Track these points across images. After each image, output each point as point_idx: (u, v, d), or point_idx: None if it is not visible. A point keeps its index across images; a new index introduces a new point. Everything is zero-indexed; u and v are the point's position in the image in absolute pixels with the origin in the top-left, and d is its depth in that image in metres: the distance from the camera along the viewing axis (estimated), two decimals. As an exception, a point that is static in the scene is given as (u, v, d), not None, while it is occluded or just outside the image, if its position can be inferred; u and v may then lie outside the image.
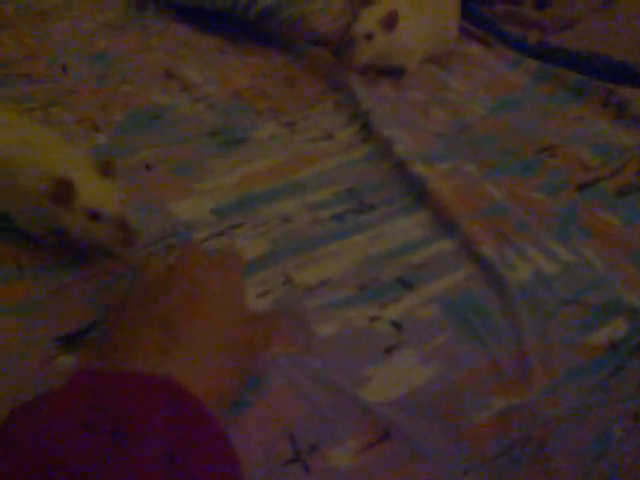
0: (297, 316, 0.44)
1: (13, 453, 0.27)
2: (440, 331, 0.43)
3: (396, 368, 0.41)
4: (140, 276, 0.41)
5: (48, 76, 0.72)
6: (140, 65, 0.75)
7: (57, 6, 0.90)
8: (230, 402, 0.36)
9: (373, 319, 0.44)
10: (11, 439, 0.27)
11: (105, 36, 0.82)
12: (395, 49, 0.69)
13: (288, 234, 0.51)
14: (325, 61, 0.74)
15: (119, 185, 0.46)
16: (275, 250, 0.49)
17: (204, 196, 0.54)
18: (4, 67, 0.74)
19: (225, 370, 0.35)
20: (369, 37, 0.67)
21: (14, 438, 0.27)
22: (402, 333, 0.43)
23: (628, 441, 0.48)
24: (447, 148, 0.62)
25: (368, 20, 0.66)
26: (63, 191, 0.42)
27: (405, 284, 0.46)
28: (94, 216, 0.43)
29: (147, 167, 0.57)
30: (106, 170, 0.45)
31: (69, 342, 0.41)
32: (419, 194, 0.55)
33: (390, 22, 0.66)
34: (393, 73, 0.73)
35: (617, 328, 0.45)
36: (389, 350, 0.42)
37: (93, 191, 0.43)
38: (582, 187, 0.57)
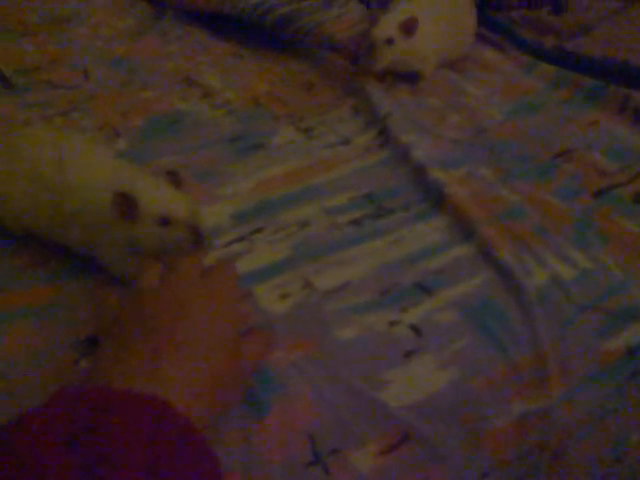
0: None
1: None
2: (459, 336, 0.44)
3: (415, 372, 0.41)
4: (134, 287, 0.40)
5: (69, 82, 0.74)
6: (160, 71, 0.76)
7: (77, 13, 0.91)
8: (219, 417, 0.36)
9: (392, 323, 0.44)
10: None
11: (125, 42, 0.83)
12: (413, 54, 0.70)
13: (307, 239, 0.51)
14: (341, 67, 0.74)
15: (186, 190, 0.46)
16: (294, 255, 0.50)
17: (224, 201, 0.55)
18: (26, 73, 0.75)
19: (213, 387, 0.34)
20: (390, 42, 0.67)
21: None
22: (421, 338, 0.43)
23: (645, 447, 0.48)
24: (464, 153, 0.62)
25: (388, 26, 0.67)
26: (125, 205, 0.42)
27: (424, 289, 0.47)
28: (164, 222, 0.42)
29: (168, 173, 0.58)
30: (172, 179, 0.45)
31: (91, 346, 0.42)
32: (437, 199, 0.55)
33: (410, 28, 0.67)
34: (409, 78, 0.73)
35: (635, 334, 0.45)
36: (408, 354, 0.42)
37: (157, 197, 0.43)
38: (598, 193, 0.57)
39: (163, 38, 0.84)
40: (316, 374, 0.41)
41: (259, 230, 0.52)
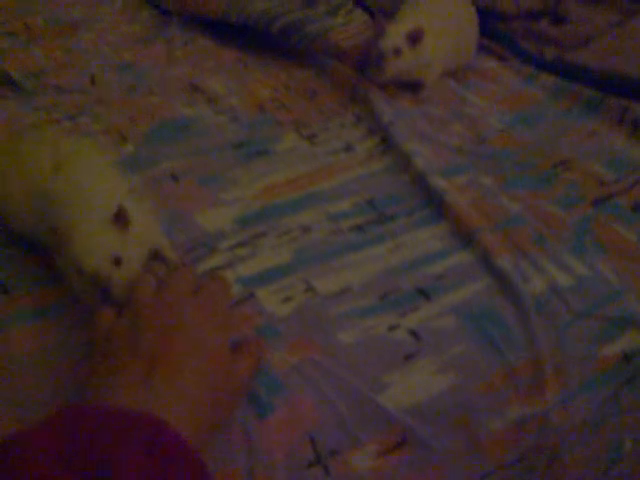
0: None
1: None
2: (457, 341, 0.44)
3: (414, 376, 0.42)
4: (129, 302, 0.40)
5: (77, 87, 0.75)
6: (165, 77, 0.77)
7: (84, 19, 0.93)
8: (213, 433, 0.36)
9: (392, 328, 0.45)
10: None
11: (131, 48, 0.84)
12: (418, 64, 0.71)
13: (309, 244, 0.52)
14: (345, 75, 0.75)
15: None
16: (297, 259, 0.51)
17: (228, 206, 0.56)
18: (34, 77, 0.76)
19: (207, 403, 0.35)
20: (397, 53, 0.68)
21: None
22: (420, 342, 0.44)
23: (639, 452, 0.48)
24: (465, 161, 0.63)
25: (395, 36, 0.68)
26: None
27: (424, 294, 0.48)
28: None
29: (173, 178, 0.59)
30: (117, 220, 0.42)
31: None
32: (438, 206, 0.56)
33: (416, 38, 0.68)
34: (412, 87, 0.74)
35: (630, 341, 0.46)
36: (407, 358, 0.43)
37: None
38: (597, 202, 0.57)
39: (169, 44, 0.85)
40: (317, 376, 0.41)
41: (262, 234, 0.53)
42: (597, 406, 0.45)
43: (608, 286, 0.49)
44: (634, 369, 0.46)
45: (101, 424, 0.30)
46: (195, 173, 0.60)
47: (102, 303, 0.41)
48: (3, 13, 0.94)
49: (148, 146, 0.64)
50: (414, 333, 0.45)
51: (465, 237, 0.53)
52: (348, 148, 0.65)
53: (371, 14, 0.89)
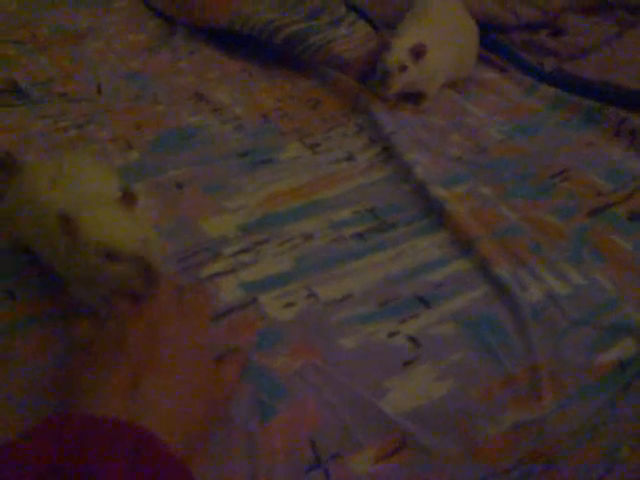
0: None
1: None
2: (456, 348, 0.45)
3: (413, 381, 0.43)
4: (111, 312, 0.40)
5: (83, 95, 0.76)
6: (171, 86, 0.78)
7: (90, 28, 0.94)
8: (199, 442, 0.36)
9: (392, 334, 0.46)
10: None
11: (137, 57, 0.85)
12: (422, 77, 0.72)
13: (311, 251, 0.53)
14: (348, 85, 0.76)
15: (141, 221, 0.43)
16: (299, 266, 0.51)
17: (232, 213, 0.57)
18: (41, 86, 0.78)
19: (193, 412, 0.35)
20: (402, 69, 0.70)
21: None
22: (420, 348, 0.45)
23: (635, 459, 0.49)
24: (464, 171, 0.64)
25: (400, 52, 0.69)
26: (67, 229, 0.39)
27: (424, 301, 0.48)
28: (106, 255, 0.39)
29: (178, 185, 0.60)
30: (126, 201, 0.41)
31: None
32: (438, 215, 0.57)
33: (419, 53, 0.70)
34: (413, 98, 0.75)
35: (626, 349, 0.47)
36: (407, 364, 0.44)
37: (99, 227, 0.39)
38: (594, 212, 0.58)
39: (174, 54, 0.86)
40: (319, 381, 0.42)
41: (265, 241, 0.54)
42: (593, 413, 0.45)
43: (604, 295, 0.50)
44: (630, 377, 0.46)
45: (86, 434, 0.30)
46: (200, 181, 0.61)
47: (147, 284, 0.40)
48: (10, 21, 0.96)
49: (154, 154, 0.65)
50: (414, 340, 0.45)
51: (464, 246, 0.54)
52: (350, 157, 0.66)
53: (374, 26, 0.90)
